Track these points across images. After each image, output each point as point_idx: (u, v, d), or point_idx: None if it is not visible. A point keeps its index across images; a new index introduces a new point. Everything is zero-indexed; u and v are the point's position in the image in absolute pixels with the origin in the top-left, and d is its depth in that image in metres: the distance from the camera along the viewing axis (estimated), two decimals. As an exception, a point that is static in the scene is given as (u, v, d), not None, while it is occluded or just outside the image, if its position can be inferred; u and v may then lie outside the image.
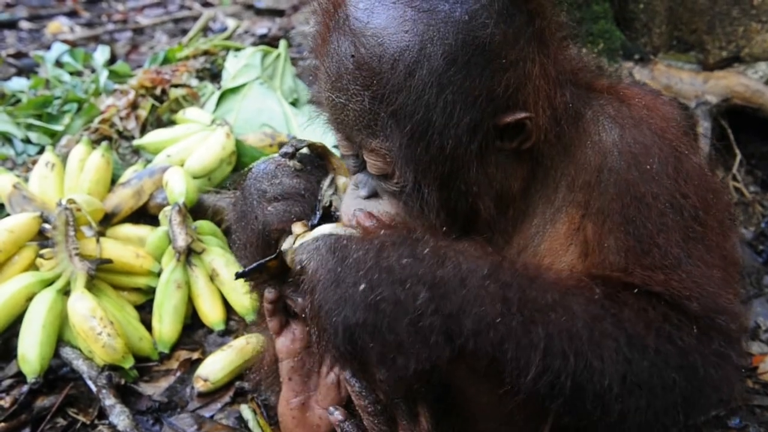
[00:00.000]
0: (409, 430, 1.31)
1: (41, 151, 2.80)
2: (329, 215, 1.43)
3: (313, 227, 1.31)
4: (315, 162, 1.50)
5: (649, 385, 1.17)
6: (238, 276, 1.38)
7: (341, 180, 1.49)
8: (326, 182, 1.46)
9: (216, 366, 2.05)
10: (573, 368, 1.13)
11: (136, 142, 2.78)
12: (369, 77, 1.21)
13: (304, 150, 1.50)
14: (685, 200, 1.28)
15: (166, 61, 3.42)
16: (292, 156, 1.47)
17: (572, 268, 1.33)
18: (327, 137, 1.46)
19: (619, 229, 1.27)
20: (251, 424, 1.93)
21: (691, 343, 1.19)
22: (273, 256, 1.34)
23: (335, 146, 1.48)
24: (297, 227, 1.34)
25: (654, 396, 1.19)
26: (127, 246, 2.30)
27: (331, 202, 1.44)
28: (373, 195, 1.36)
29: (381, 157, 1.28)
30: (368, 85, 1.21)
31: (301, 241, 1.25)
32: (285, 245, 1.33)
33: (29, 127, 2.99)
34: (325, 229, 1.24)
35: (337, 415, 1.37)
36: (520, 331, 1.12)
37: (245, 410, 1.98)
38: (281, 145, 2.69)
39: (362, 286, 1.11)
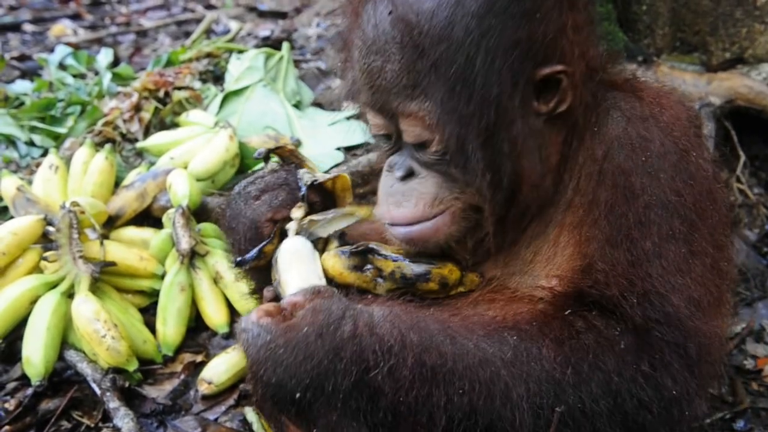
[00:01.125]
0: None
1: (45, 153, 2.81)
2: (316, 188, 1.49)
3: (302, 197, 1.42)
4: (288, 161, 1.61)
5: (574, 416, 1.18)
6: (237, 263, 1.44)
7: (315, 173, 1.55)
8: (302, 171, 1.52)
9: (220, 369, 2.05)
10: (486, 398, 1.16)
11: (139, 145, 2.78)
12: (407, 32, 1.21)
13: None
14: (677, 198, 1.27)
15: (169, 63, 3.43)
16: (266, 156, 1.56)
17: (570, 262, 1.32)
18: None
19: (602, 216, 1.27)
20: (255, 426, 1.93)
21: (614, 366, 1.18)
22: (268, 241, 1.41)
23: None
24: (296, 212, 1.43)
25: (585, 423, 1.19)
26: (131, 249, 2.31)
27: (314, 180, 1.48)
28: (408, 175, 1.35)
29: (420, 120, 1.26)
30: (406, 41, 1.22)
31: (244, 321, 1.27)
32: (290, 229, 1.42)
33: (33, 129, 3.00)
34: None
35: None
36: (429, 358, 1.16)
37: (249, 413, 1.98)
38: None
39: (294, 382, 1.16)
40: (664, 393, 1.20)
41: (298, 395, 1.16)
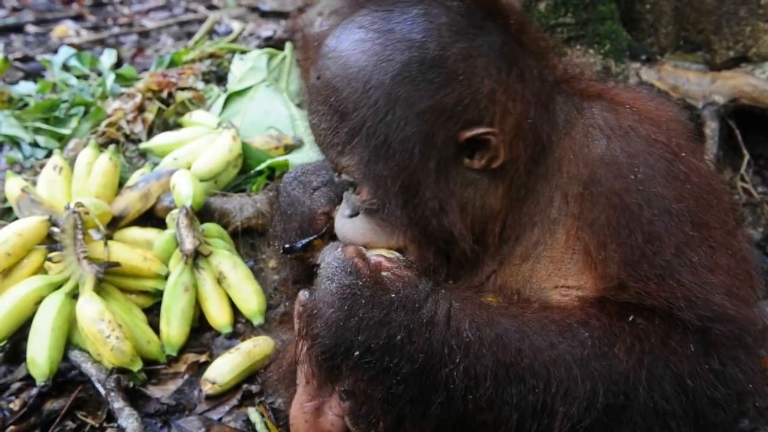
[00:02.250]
0: None
1: (49, 154, 2.81)
2: None
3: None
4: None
5: (647, 414, 1.18)
6: (285, 250, 1.46)
7: None
8: None
9: (223, 369, 2.05)
10: (557, 396, 1.17)
11: (143, 146, 2.79)
12: (330, 95, 1.28)
13: None
14: (679, 204, 1.26)
15: (172, 64, 3.43)
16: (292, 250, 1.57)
17: (579, 276, 1.33)
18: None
19: (612, 240, 1.27)
20: (258, 426, 1.94)
21: (687, 368, 1.18)
22: (320, 234, 1.44)
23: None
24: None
25: (657, 421, 1.19)
26: (135, 249, 2.31)
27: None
28: (355, 213, 1.40)
29: (350, 174, 1.33)
30: (331, 104, 1.28)
31: (327, 252, 1.29)
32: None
33: (37, 130, 3.01)
34: (344, 255, 1.27)
35: None
36: (504, 355, 1.17)
37: (253, 413, 1.98)
38: (287, 147, 2.71)
39: (360, 339, 1.18)
40: (735, 387, 1.21)
41: (356, 354, 1.17)
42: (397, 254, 1.34)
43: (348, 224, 1.40)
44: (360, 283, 1.19)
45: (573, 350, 1.18)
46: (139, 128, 2.88)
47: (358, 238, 1.38)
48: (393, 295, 1.18)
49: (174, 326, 2.19)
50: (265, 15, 4.85)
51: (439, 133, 1.25)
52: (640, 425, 1.19)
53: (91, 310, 2.06)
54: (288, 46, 3.28)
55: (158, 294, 2.29)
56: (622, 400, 1.18)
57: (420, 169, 1.26)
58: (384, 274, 1.23)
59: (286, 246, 1.45)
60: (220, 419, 1.99)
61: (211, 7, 5.58)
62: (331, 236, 1.45)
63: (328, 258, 1.25)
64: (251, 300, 2.26)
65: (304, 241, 1.44)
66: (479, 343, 1.17)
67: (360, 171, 1.30)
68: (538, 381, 1.17)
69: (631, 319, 1.22)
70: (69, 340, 2.13)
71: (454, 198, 1.30)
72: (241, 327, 2.30)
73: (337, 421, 1.45)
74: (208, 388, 2.04)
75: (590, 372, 1.17)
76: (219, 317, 2.25)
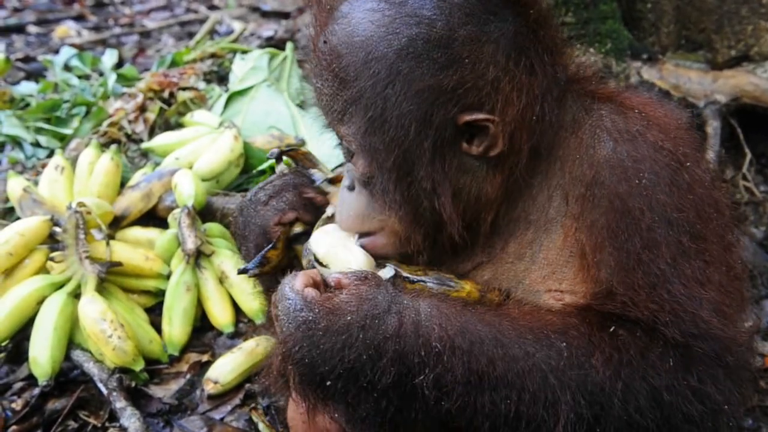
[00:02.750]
0: None
1: (51, 154, 2.81)
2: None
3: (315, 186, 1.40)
4: (299, 163, 1.61)
5: (619, 427, 1.18)
6: (240, 271, 1.43)
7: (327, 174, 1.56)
8: (311, 170, 1.54)
9: (226, 368, 2.05)
10: (531, 406, 1.16)
11: (144, 145, 2.79)
12: (334, 61, 1.27)
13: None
14: (679, 214, 1.25)
15: (173, 64, 3.44)
16: (278, 157, 1.57)
17: (574, 280, 1.31)
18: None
19: (609, 244, 1.26)
20: (261, 426, 1.94)
21: (665, 382, 1.18)
22: (271, 246, 1.40)
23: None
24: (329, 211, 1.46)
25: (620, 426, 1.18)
26: (137, 249, 2.31)
27: (328, 179, 1.50)
28: (351, 187, 1.39)
29: (347, 142, 1.32)
30: (333, 70, 1.27)
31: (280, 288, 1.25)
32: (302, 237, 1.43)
33: (38, 130, 3.01)
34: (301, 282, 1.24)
35: None
36: (476, 364, 1.16)
37: (254, 416, 1.98)
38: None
39: (328, 368, 1.16)
40: (712, 405, 1.19)
41: (329, 383, 1.15)
42: (359, 264, 1.31)
43: (346, 197, 1.39)
44: (312, 317, 1.16)
45: (549, 360, 1.17)
46: (140, 128, 2.88)
47: (350, 214, 1.37)
48: (349, 318, 1.15)
49: (176, 326, 2.20)
50: (266, 15, 4.85)
51: (437, 113, 1.24)
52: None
53: (93, 309, 2.06)
54: (289, 45, 3.28)
55: (160, 294, 2.29)
56: (597, 411, 1.17)
57: (415, 146, 1.25)
58: (341, 296, 1.19)
59: (240, 268, 1.43)
60: (222, 419, 1.99)
61: (212, 8, 5.58)
62: (288, 243, 1.43)
63: (283, 291, 1.22)
64: (253, 299, 2.26)
65: (256, 259, 1.41)
66: (450, 352, 1.15)
67: (356, 141, 1.29)
68: (510, 390, 1.16)
69: (612, 329, 1.21)
70: (71, 340, 2.14)
71: (447, 181, 1.29)
72: (243, 326, 2.30)
73: (335, 420, 1.44)
74: (210, 388, 2.04)
75: (566, 382, 1.16)
76: (221, 317, 2.25)
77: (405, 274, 1.36)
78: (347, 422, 1.34)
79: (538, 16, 1.30)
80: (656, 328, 1.20)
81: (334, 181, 1.47)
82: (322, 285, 1.25)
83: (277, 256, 1.41)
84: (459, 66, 1.22)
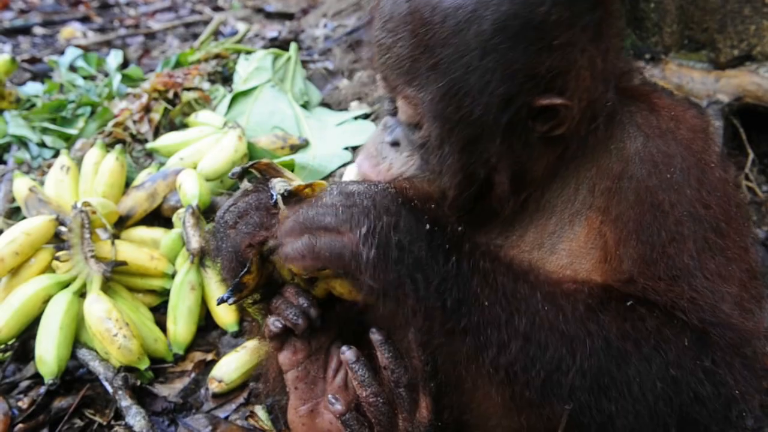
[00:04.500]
0: (409, 420, 1.32)
1: (56, 154, 2.83)
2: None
3: (274, 204, 1.35)
4: (264, 178, 1.50)
5: (629, 390, 1.18)
6: (219, 302, 1.39)
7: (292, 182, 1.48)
8: (274, 180, 1.44)
9: (230, 367, 2.06)
10: (548, 359, 1.16)
11: (149, 145, 2.80)
12: (418, 25, 1.22)
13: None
14: (706, 211, 1.27)
15: (178, 64, 3.45)
16: (241, 176, 1.49)
17: (591, 274, 1.32)
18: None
19: (634, 236, 1.27)
20: (267, 425, 1.94)
21: (677, 357, 1.18)
22: (245, 271, 1.35)
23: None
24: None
25: (637, 402, 1.18)
26: (142, 248, 2.33)
27: (286, 190, 1.41)
28: (395, 143, 1.37)
29: (413, 106, 1.29)
30: (415, 33, 1.23)
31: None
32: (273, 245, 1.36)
33: (44, 130, 3.03)
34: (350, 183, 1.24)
35: (338, 406, 1.37)
36: (504, 317, 1.16)
37: (259, 411, 1.99)
38: (292, 147, 2.71)
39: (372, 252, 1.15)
40: (724, 390, 1.20)
41: (396, 266, 1.14)
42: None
43: (389, 153, 1.37)
44: (394, 209, 1.16)
45: (566, 321, 1.18)
46: (145, 128, 2.89)
47: (394, 172, 1.35)
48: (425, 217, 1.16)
49: (181, 325, 2.21)
50: (270, 16, 4.87)
51: (520, 94, 1.22)
52: (624, 407, 1.19)
53: (98, 308, 2.07)
54: (293, 46, 3.29)
55: (165, 293, 2.30)
56: (606, 380, 1.17)
57: (489, 122, 1.24)
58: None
59: (218, 299, 1.38)
60: (226, 417, 2.00)
61: (217, 9, 5.60)
62: (263, 261, 1.37)
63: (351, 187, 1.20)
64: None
65: (232, 287, 1.36)
66: (493, 296, 1.17)
67: (428, 107, 1.26)
68: (526, 343, 1.17)
69: (629, 303, 1.22)
70: (77, 339, 2.15)
71: (510, 156, 1.28)
72: (247, 325, 2.30)
73: (335, 419, 1.45)
74: (214, 387, 2.05)
75: (581, 345, 1.17)
76: (225, 316, 2.26)
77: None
78: (340, 416, 1.36)
79: (614, 8, 1.30)
80: (674, 312, 1.21)
81: (294, 193, 1.39)
82: None
83: (253, 279, 1.37)
84: (550, 49, 1.21)
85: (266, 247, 1.38)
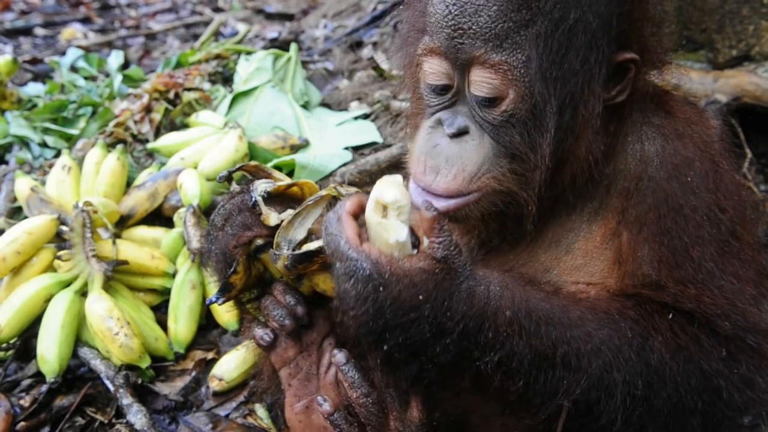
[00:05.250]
0: (400, 419, 1.31)
1: (58, 154, 2.84)
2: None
3: (253, 205, 1.32)
4: (250, 179, 1.48)
5: (667, 408, 1.18)
6: (208, 303, 1.42)
7: (274, 181, 1.45)
8: (257, 182, 1.42)
9: (230, 365, 2.07)
10: (586, 386, 1.15)
11: (150, 145, 2.81)
12: None
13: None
14: (723, 214, 1.28)
15: (178, 65, 3.46)
16: (228, 179, 1.47)
17: (605, 273, 1.32)
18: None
19: (655, 239, 1.26)
20: (266, 423, 1.95)
21: (717, 368, 1.19)
22: (231, 272, 1.36)
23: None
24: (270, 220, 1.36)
25: (672, 417, 1.19)
26: (143, 247, 2.33)
27: (266, 192, 1.38)
28: (460, 134, 1.25)
29: (501, 73, 1.19)
30: None
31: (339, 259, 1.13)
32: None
33: (46, 131, 3.04)
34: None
35: (326, 406, 1.35)
36: (541, 346, 1.13)
37: (259, 409, 2.00)
38: (292, 146, 2.72)
39: (389, 337, 1.09)
40: (759, 395, 1.22)
41: (385, 347, 1.09)
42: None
43: (450, 148, 1.24)
44: (381, 282, 1.05)
45: (609, 341, 1.16)
46: (146, 128, 2.90)
47: (461, 168, 1.23)
48: (421, 293, 1.06)
49: (181, 324, 2.22)
50: (270, 17, 4.88)
51: (611, 46, 1.22)
52: (662, 419, 1.19)
53: (99, 307, 2.08)
54: (293, 47, 3.31)
55: (166, 292, 2.31)
56: (649, 393, 1.17)
57: (586, 80, 1.20)
58: (413, 264, 1.08)
59: (207, 300, 1.39)
60: (227, 415, 2.01)
61: (217, 10, 5.62)
62: (250, 261, 1.37)
63: (339, 246, 1.09)
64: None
65: (220, 288, 1.37)
66: (517, 335, 1.11)
67: (522, 70, 1.18)
68: (569, 371, 1.14)
69: (670, 316, 1.21)
70: (78, 338, 2.16)
71: (592, 123, 1.24)
72: (243, 326, 2.31)
73: None
74: (215, 385, 2.06)
75: (623, 362, 1.16)
76: (226, 315, 2.27)
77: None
78: (328, 416, 1.34)
79: None
80: (708, 319, 1.22)
81: (275, 194, 1.37)
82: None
83: (240, 279, 1.38)
84: (631, 3, 1.23)
85: (253, 247, 1.38)
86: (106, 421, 1.99)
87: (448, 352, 1.09)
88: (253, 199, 1.34)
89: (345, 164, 2.65)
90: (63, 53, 4.10)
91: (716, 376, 1.19)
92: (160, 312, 2.32)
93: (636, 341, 1.17)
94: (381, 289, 1.05)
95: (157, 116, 2.94)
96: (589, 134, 1.26)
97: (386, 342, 1.09)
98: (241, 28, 4.19)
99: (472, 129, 1.26)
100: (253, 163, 1.49)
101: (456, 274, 1.09)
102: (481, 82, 1.22)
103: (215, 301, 1.40)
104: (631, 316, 1.20)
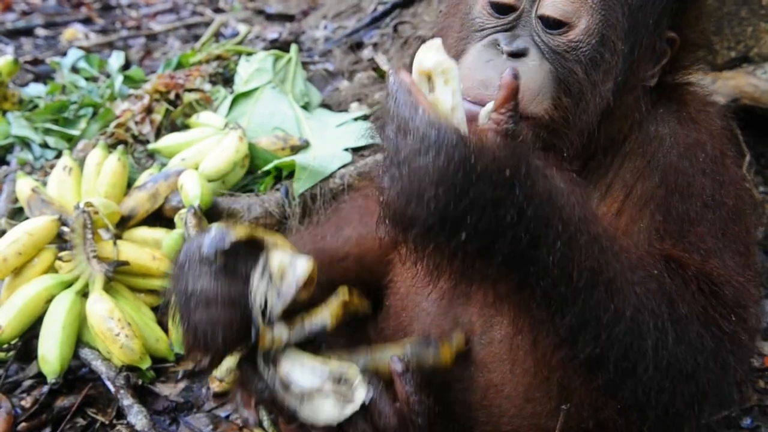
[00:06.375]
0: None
1: (58, 155, 2.84)
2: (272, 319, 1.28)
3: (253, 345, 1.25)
4: (241, 250, 1.30)
5: (679, 367, 1.15)
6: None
7: (275, 260, 1.29)
8: (256, 274, 1.27)
9: (231, 366, 2.07)
10: (615, 326, 1.10)
11: (151, 146, 2.82)
12: None
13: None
14: (728, 200, 1.32)
15: (179, 66, 3.46)
16: (214, 259, 1.29)
17: None
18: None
19: (659, 213, 1.28)
20: (266, 424, 1.96)
21: (727, 333, 1.19)
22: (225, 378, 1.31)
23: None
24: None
25: (681, 379, 1.16)
26: (144, 248, 2.34)
27: (265, 301, 1.27)
28: (518, 54, 1.19)
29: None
30: None
31: None
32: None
33: (47, 131, 3.04)
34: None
35: None
36: (594, 262, 1.07)
37: (260, 410, 2.00)
38: (293, 147, 2.72)
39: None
40: (746, 365, 1.29)
41: (463, 236, 0.97)
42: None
43: (503, 61, 1.17)
44: (467, 155, 0.93)
45: (644, 283, 1.13)
46: (147, 129, 2.91)
47: (530, 74, 1.16)
48: (508, 167, 0.95)
49: (182, 324, 2.22)
50: (271, 18, 4.88)
51: (666, 22, 1.29)
52: (672, 379, 1.17)
53: (100, 308, 2.09)
54: (293, 48, 3.31)
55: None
56: (669, 346, 1.14)
57: (650, 37, 1.26)
58: (495, 136, 0.99)
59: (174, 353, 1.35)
60: (227, 416, 2.01)
61: (218, 10, 5.61)
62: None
63: (412, 116, 0.95)
64: (258, 299, 2.28)
65: (199, 370, 1.38)
66: (577, 237, 1.03)
67: (600, 1, 1.18)
68: (613, 296, 1.08)
69: (689, 274, 1.21)
70: (79, 338, 2.16)
71: (643, 85, 1.31)
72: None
73: None
74: (215, 386, 2.07)
75: (657, 309, 1.13)
76: (226, 316, 2.28)
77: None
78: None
79: None
80: (716, 285, 1.22)
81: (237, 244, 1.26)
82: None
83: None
84: None
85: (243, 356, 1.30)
86: (106, 422, 2.00)
87: (519, 242, 0.99)
88: (254, 328, 1.26)
89: (345, 165, 2.65)
90: (64, 54, 4.10)
91: (726, 341, 1.20)
92: (161, 313, 2.32)
93: (666, 292, 1.15)
94: (472, 160, 0.94)
95: (157, 117, 2.95)
96: (639, 93, 1.31)
97: (464, 230, 0.96)
98: (242, 28, 4.19)
99: (532, 52, 1.20)
100: (242, 229, 1.31)
101: (531, 154, 1.02)
102: (551, 3, 1.19)
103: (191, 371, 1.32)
104: (659, 268, 1.19)
